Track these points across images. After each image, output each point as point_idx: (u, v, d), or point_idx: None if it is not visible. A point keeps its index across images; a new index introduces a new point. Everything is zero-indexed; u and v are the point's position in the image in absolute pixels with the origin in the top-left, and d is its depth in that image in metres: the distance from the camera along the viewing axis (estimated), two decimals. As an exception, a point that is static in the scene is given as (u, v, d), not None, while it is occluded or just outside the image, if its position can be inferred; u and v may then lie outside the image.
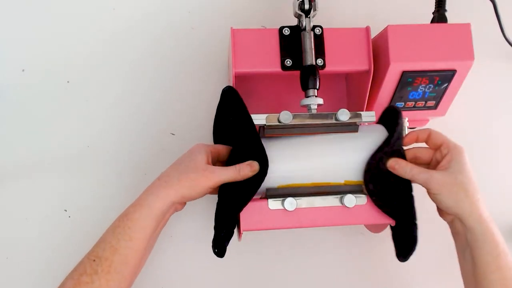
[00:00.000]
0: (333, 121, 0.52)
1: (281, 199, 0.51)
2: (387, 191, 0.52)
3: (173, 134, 0.66)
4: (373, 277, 0.65)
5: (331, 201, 0.51)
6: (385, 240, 0.66)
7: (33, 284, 0.62)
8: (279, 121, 0.51)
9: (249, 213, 0.50)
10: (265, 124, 0.51)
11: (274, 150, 0.52)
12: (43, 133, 0.64)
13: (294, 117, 0.51)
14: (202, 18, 0.68)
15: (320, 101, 0.53)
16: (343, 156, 0.53)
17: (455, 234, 0.53)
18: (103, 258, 0.46)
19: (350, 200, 0.51)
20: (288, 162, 0.52)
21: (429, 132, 0.54)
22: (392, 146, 0.52)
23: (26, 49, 0.66)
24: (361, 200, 0.52)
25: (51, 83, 0.65)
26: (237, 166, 0.50)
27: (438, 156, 0.53)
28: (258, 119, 0.51)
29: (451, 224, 0.53)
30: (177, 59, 0.67)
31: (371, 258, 0.66)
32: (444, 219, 0.53)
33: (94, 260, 0.46)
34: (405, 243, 0.52)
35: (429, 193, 0.51)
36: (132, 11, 0.68)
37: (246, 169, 0.49)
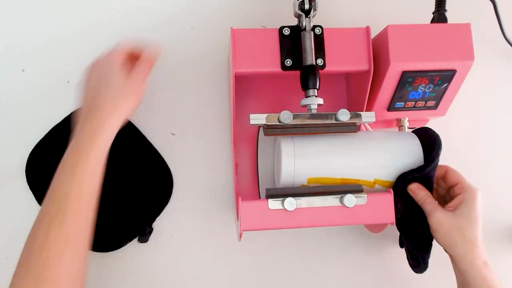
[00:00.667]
0: (333, 121, 0.52)
1: (281, 199, 0.51)
2: (410, 213, 0.54)
3: (173, 134, 0.66)
4: (373, 277, 0.65)
5: (331, 201, 0.51)
6: (385, 240, 0.66)
7: (33, 284, 0.62)
8: (279, 121, 0.51)
9: (249, 213, 0.50)
10: (265, 124, 0.51)
11: (307, 145, 0.53)
12: (43, 133, 0.64)
13: (294, 117, 0.51)
14: (202, 18, 0.68)
15: (320, 101, 0.53)
16: (375, 155, 0.54)
17: (453, 267, 0.53)
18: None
19: (350, 200, 0.51)
20: (320, 157, 0.54)
21: (446, 169, 0.55)
22: (423, 173, 0.53)
23: (26, 49, 0.66)
24: (361, 200, 0.52)
25: (51, 83, 0.65)
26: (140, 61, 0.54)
27: (451, 193, 0.54)
28: (258, 118, 0.51)
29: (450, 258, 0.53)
30: (177, 59, 0.67)
31: (371, 258, 0.66)
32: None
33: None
34: (413, 265, 0.56)
35: (432, 230, 0.52)
36: (132, 11, 0.68)
37: (153, 57, 0.55)
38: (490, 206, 0.67)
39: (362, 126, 0.61)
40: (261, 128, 0.53)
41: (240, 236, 0.51)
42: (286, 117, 0.50)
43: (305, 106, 0.54)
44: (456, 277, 0.53)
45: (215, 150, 0.66)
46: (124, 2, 0.68)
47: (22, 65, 0.66)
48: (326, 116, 0.52)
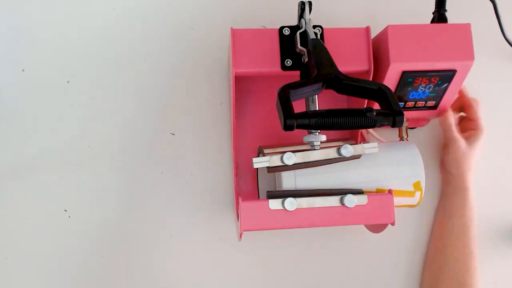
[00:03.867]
0: (336, 155, 0.52)
1: (281, 199, 0.51)
2: None
3: (173, 134, 0.66)
4: (373, 277, 0.65)
5: (331, 201, 0.51)
6: (385, 240, 0.66)
7: (33, 284, 0.62)
8: (282, 162, 0.51)
9: (249, 213, 0.50)
10: (268, 166, 0.51)
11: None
12: (43, 133, 0.64)
13: (297, 156, 0.51)
14: (202, 18, 0.68)
15: (323, 138, 0.52)
16: (377, 170, 0.56)
17: (442, 173, 0.67)
18: None
19: (351, 200, 0.51)
20: (319, 175, 0.54)
21: (470, 105, 0.63)
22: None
23: (26, 49, 0.66)
24: (361, 200, 0.52)
25: (51, 83, 0.65)
26: None
27: (467, 125, 0.64)
28: (261, 161, 0.51)
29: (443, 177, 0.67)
30: (177, 59, 0.67)
31: (371, 258, 0.66)
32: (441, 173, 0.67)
33: None
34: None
35: (445, 150, 0.65)
36: (132, 11, 0.68)
37: None
38: (490, 206, 0.67)
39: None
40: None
41: (240, 236, 0.51)
42: (289, 158, 0.50)
43: (308, 142, 0.53)
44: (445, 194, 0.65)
45: (215, 150, 0.66)
46: (124, 2, 0.68)
47: (22, 65, 0.66)
48: (329, 153, 0.52)
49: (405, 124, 0.63)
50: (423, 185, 0.56)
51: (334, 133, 0.64)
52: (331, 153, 0.52)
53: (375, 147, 0.52)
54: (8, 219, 0.62)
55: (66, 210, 0.63)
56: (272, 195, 0.51)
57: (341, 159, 0.52)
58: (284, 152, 0.51)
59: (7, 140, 0.64)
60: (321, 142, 0.52)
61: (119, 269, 0.63)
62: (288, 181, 0.54)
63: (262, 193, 0.62)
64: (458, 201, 0.62)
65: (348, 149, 0.51)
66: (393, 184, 0.55)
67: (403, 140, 0.63)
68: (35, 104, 0.65)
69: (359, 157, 0.53)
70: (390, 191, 0.53)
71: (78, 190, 0.63)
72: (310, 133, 0.53)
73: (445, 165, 0.65)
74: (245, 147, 0.64)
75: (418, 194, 0.56)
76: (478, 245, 0.61)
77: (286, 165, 0.51)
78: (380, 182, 0.55)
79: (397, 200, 0.55)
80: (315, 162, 0.52)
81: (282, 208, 0.50)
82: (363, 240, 0.66)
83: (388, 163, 0.56)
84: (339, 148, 0.51)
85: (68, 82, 0.66)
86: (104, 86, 0.66)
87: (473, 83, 0.62)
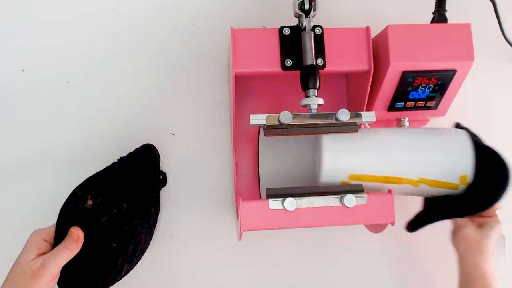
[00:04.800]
0: (333, 121, 0.52)
1: (281, 199, 0.51)
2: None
3: (173, 134, 0.66)
4: (373, 277, 0.65)
5: (331, 201, 0.51)
6: (385, 240, 0.66)
7: (33, 284, 0.62)
8: (279, 121, 0.51)
9: (249, 213, 0.50)
10: (265, 124, 0.51)
11: (350, 140, 0.53)
12: (43, 133, 0.64)
13: (294, 117, 0.51)
14: (202, 18, 0.68)
15: (320, 101, 0.53)
16: (422, 153, 0.54)
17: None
18: None
19: (350, 200, 0.51)
20: (363, 153, 0.54)
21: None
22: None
23: (26, 49, 0.66)
24: (361, 200, 0.52)
25: (51, 83, 0.65)
26: (62, 243, 0.53)
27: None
28: (258, 119, 0.51)
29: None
30: (177, 59, 0.67)
31: (371, 258, 0.66)
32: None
33: None
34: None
35: (455, 237, 0.58)
36: (132, 11, 0.68)
37: (72, 243, 0.52)
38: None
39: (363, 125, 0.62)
40: (261, 128, 0.53)
41: (240, 236, 0.51)
42: (286, 117, 0.50)
43: (305, 106, 0.54)
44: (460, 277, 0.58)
45: (215, 150, 0.66)
46: (124, 2, 0.68)
47: (22, 65, 0.66)
48: (326, 116, 0.52)
49: (406, 124, 0.63)
50: (469, 179, 0.54)
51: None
52: (328, 116, 0.52)
53: (372, 116, 0.52)
54: (8, 219, 0.62)
55: (66, 210, 0.63)
56: (272, 193, 0.51)
57: (338, 124, 0.52)
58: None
59: (7, 140, 0.64)
60: (318, 105, 0.53)
61: (119, 269, 0.63)
62: (329, 156, 0.53)
63: (263, 190, 0.62)
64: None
65: (345, 114, 0.51)
66: (437, 173, 0.54)
67: None
68: (35, 104, 0.65)
69: (356, 130, 0.53)
70: (390, 191, 0.53)
71: (78, 190, 0.63)
72: (307, 96, 0.53)
73: (458, 252, 0.59)
74: (245, 147, 0.64)
75: (462, 188, 0.55)
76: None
77: (284, 126, 0.51)
78: (425, 167, 0.54)
79: (437, 191, 0.55)
80: (312, 129, 0.52)
81: (282, 208, 0.50)
82: (363, 240, 0.66)
83: (434, 149, 0.54)
84: (336, 113, 0.51)
85: (68, 82, 0.66)
86: (104, 86, 0.66)
87: (473, 83, 0.62)
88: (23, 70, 0.66)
